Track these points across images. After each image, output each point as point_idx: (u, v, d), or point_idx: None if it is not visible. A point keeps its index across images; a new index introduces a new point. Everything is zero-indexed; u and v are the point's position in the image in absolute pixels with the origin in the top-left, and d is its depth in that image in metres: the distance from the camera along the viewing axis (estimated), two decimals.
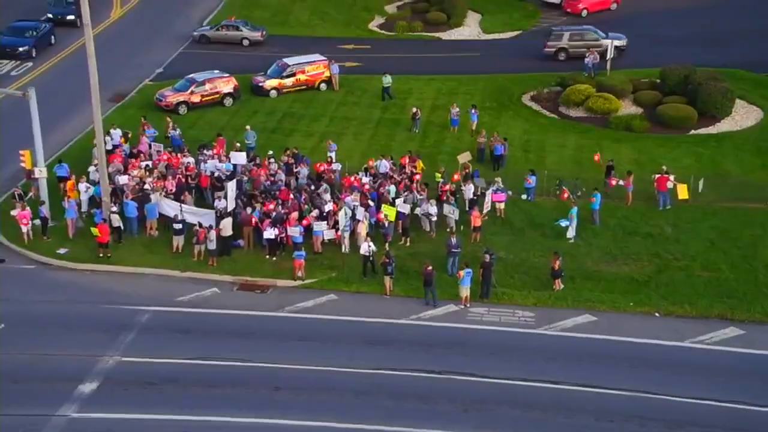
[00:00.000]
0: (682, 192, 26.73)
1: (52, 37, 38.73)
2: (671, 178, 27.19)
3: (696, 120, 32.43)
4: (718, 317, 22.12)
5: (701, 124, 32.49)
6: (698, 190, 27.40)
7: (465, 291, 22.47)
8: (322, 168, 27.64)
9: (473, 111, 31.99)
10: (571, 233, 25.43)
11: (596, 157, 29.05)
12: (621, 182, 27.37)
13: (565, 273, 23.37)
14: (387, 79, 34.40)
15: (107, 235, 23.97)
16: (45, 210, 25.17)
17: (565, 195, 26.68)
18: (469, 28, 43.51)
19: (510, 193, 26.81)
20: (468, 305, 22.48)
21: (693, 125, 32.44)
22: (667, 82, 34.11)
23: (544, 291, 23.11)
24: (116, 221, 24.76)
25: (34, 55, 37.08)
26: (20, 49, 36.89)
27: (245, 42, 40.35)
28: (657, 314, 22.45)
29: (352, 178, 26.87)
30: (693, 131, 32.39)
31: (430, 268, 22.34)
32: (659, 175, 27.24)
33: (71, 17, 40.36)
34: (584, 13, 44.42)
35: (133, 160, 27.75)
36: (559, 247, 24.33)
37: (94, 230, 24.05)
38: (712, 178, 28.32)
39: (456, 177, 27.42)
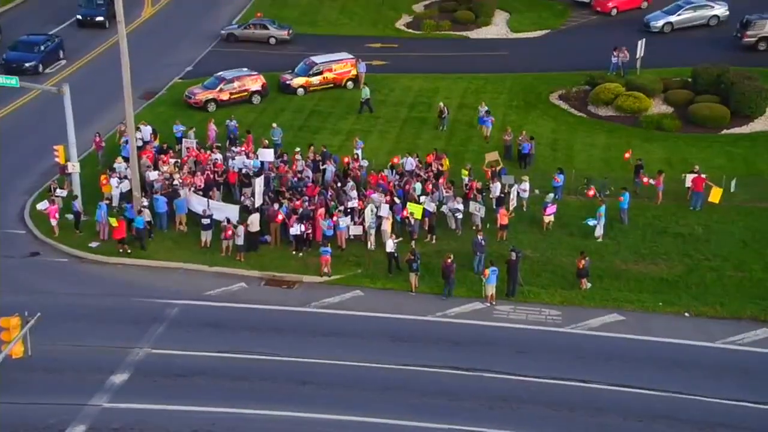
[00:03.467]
0: (715, 196, 26.27)
1: (61, 51, 37.66)
2: (707, 179, 26.77)
3: (729, 119, 31.91)
4: (751, 318, 21.77)
5: (734, 124, 31.95)
6: (731, 190, 26.97)
7: (490, 289, 22.39)
8: (347, 161, 27.71)
9: (488, 118, 31.25)
10: (598, 232, 25.20)
11: (626, 155, 28.74)
12: (652, 181, 27.05)
13: (593, 272, 23.16)
14: (365, 92, 33.11)
15: (124, 231, 24.28)
16: (78, 204, 25.67)
17: (591, 192, 26.43)
18: (497, 27, 43.29)
19: (555, 198, 26.04)
20: (494, 303, 22.38)
21: (726, 125, 31.93)
22: (699, 81, 33.61)
23: (571, 290, 22.94)
24: (147, 216, 25.14)
25: (40, 70, 36.10)
26: (27, 64, 35.98)
27: (272, 40, 40.61)
28: (687, 314, 22.15)
29: (378, 175, 26.96)
30: (725, 131, 31.87)
31: (449, 260, 22.26)
32: (695, 175, 26.83)
33: (100, 18, 40.82)
34: (614, 11, 43.86)
35: (163, 156, 28.18)
36: (587, 247, 24.14)
37: (112, 220, 24.45)
38: (745, 179, 27.85)
39: (487, 175, 27.30)
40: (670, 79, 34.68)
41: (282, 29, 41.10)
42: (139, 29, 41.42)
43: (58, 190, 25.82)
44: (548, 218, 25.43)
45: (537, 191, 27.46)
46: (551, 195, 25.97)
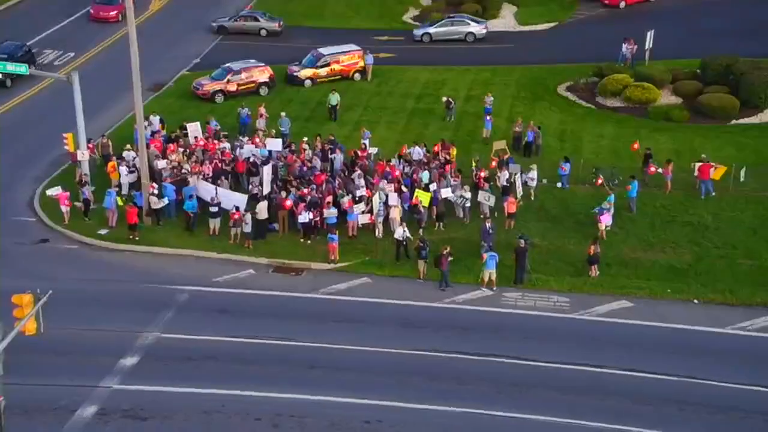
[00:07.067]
0: (717, 173, 26.16)
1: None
2: (713, 165, 26.72)
3: (738, 110, 31.80)
4: (761, 305, 21.69)
5: (743, 114, 31.88)
6: (740, 179, 26.90)
7: (487, 274, 22.35)
8: (355, 151, 27.77)
9: (488, 118, 31.04)
10: (608, 221, 25.10)
11: (635, 145, 28.72)
12: (660, 170, 26.99)
13: (602, 260, 23.11)
14: (335, 98, 32.15)
15: (136, 217, 24.39)
16: (87, 192, 25.78)
17: (599, 181, 26.36)
18: (505, 20, 43.29)
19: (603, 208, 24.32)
20: (485, 288, 22.24)
21: (735, 115, 31.83)
22: (708, 72, 33.50)
23: (580, 277, 22.90)
24: (155, 203, 25.24)
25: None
26: None
27: (263, 32, 40.57)
28: (695, 301, 22.09)
29: (384, 162, 26.98)
30: (734, 121, 31.78)
31: (445, 252, 22.21)
32: (701, 163, 26.78)
33: None
34: (622, 4, 43.84)
35: (171, 145, 28.27)
36: (594, 235, 24.05)
37: (120, 200, 24.68)
38: (755, 168, 27.79)
39: (493, 164, 27.31)
40: (679, 70, 34.61)
41: (273, 21, 41.12)
42: (147, 22, 41.55)
43: (87, 187, 25.70)
44: (603, 226, 24.22)
45: (545, 180, 27.48)
46: (605, 203, 24.39)
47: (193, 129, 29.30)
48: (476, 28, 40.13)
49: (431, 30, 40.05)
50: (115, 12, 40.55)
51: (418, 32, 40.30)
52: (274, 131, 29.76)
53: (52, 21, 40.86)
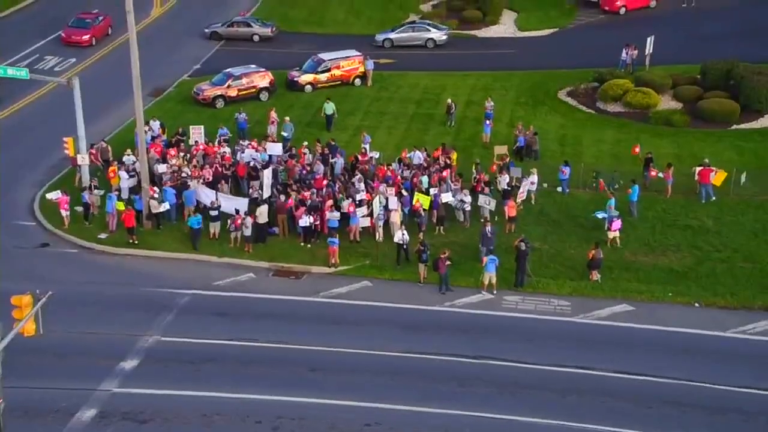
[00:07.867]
0: (718, 179, 26.15)
1: None
2: (713, 169, 26.74)
3: (738, 114, 31.84)
4: (762, 309, 21.64)
5: (744, 119, 31.91)
6: (740, 184, 26.90)
7: (488, 277, 22.31)
8: (356, 156, 27.77)
9: (487, 122, 31.07)
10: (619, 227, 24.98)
11: (635, 149, 28.74)
12: (661, 174, 27.01)
13: (603, 263, 23.05)
14: (330, 107, 31.60)
15: (134, 220, 24.39)
16: (87, 196, 25.77)
17: (602, 185, 26.34)
18: (505, 26, 43.46)
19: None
20: (486, 292, 22.20)
21: (735, 120, 31.86)
22: (708, 77, 33.55)
23: (580, 281, 22.86)
24: (155, 207, 25.24)
25: None
26: None
27: (255, 38, 40.71)
28: (696, 305, 22.04)
29: (385, 167, 27.00)
30: (735, 126, 31.82)
31: (443, 256, 22.19)
32: (702, 168, 26.79)
33: None
34: (622, 10, 43.99)
35: (171, 150, 28.31)
36: (596, 239, 24.03)
37: (120, 204, 24.70)
38: (755, 172, 27.80)
39: (493, 168, 27.35)
40: (679, 75, 34.67)
41: (265, 27, 41.29)
42: (148, 28, 41.71)
43: (95, 190, 25.73)
44: (613, 234, 24.00)
45: (545, 185, 27.49)
46: (613, 209, 24.14)
47: (197, 132, 29.30)
48: (437, 35, 40.56)
49: (392, 36, 40.64)
50: (88, 36, 38.98)
51: (379, 37, 40.74)
52: (273, 135, 29.76)
53: (54, 26, 41.00)
